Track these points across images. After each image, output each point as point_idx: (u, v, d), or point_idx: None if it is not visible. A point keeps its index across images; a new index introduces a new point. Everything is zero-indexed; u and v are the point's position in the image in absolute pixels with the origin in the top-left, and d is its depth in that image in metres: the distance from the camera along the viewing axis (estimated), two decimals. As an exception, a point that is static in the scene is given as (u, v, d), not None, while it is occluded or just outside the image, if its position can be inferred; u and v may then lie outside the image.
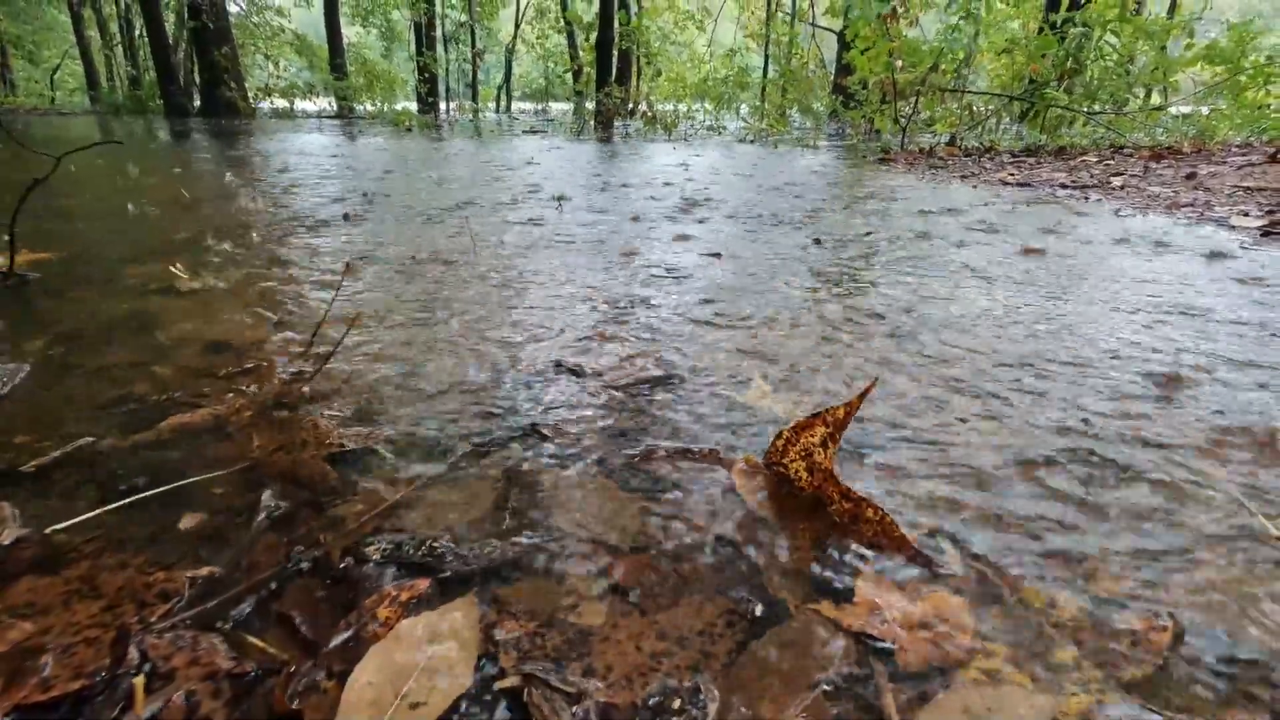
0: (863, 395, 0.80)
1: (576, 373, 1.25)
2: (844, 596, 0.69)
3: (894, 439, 1.00)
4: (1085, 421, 1.06)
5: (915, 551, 0.75)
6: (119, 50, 24.83)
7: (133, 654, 0.59)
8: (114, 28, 24.77)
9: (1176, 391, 1.18)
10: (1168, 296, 1.78)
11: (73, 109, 18.87)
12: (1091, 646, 0.63)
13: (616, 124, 12.72)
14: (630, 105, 13.81)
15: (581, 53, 21.97)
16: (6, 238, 1.81)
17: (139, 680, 0.56)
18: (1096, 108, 8.07)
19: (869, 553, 0.75)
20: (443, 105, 22.25)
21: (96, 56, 23.99)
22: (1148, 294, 1.81)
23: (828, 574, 0.73)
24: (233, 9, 17.84)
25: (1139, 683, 0.60)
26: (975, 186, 4.34)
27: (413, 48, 20.87)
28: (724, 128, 11.70)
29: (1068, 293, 1.82)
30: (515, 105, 30.90)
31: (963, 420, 1.06)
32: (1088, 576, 0.72)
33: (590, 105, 12.90)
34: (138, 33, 22.51)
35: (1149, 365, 1.30)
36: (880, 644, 0.63)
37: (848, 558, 0.75)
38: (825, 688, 0.58)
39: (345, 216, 2.89)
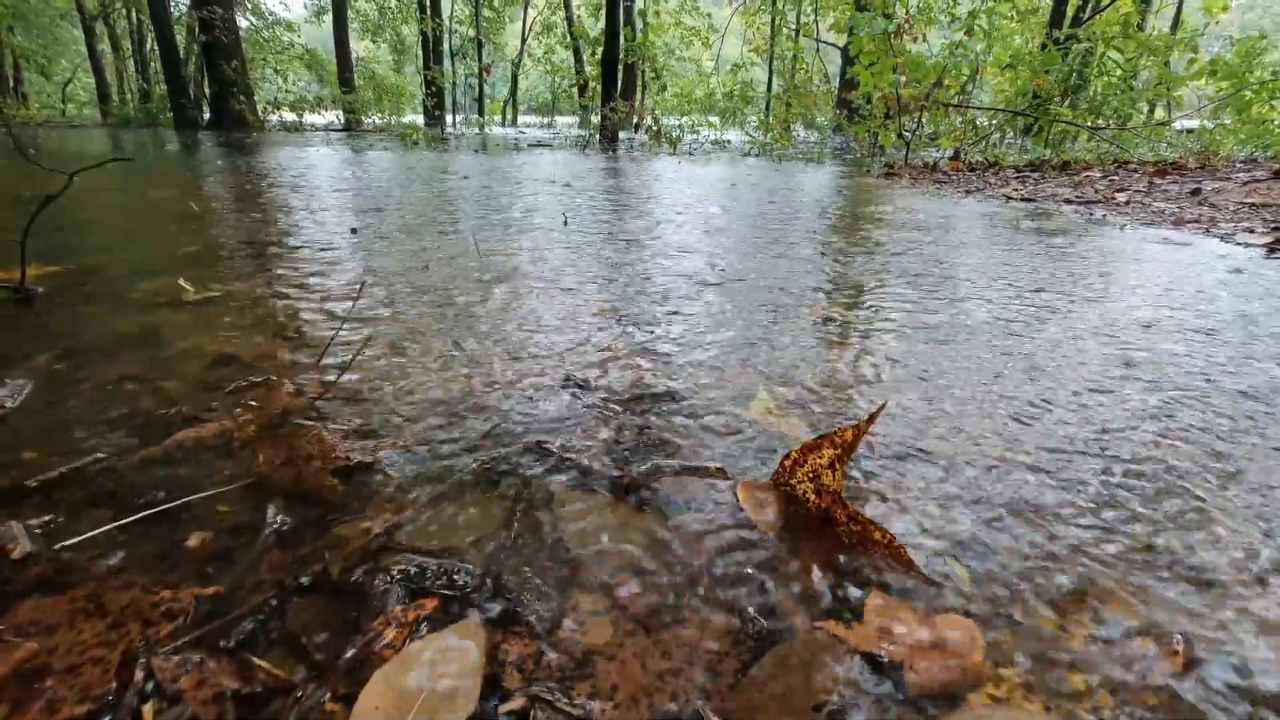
0: (871, 419, 0.80)
1: (583, 386, 1.26)
2: (852, 617, 0.69)
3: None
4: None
5: (923, 574, 0.75)
6: (130, 64, 25.13)
7: (139, 675, 0.59)
8: (126, 42, 25.09)
9: (1185, 411, 1.17)
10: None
11: (84, 121, 19.07)
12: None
13: (622, 137, 12.80)
14: (635, 120, 13.90)
15: (587, 67, 22.15)
16: (18, 253, 1.82)
17: (148, 708, 0.56)
18: (1100, 123, 8.09)
19: (877, 574, 0.75)
20: (449, 118, 22.43)
21: (108, 70, 24.27)
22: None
23: (836, 594, 0.72)
24: (243, 24, 18.07)
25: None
26: (980, 201, 4.35)
27: (421, 62, 21.08)
28: (728, 142, 11.76)
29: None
30: (521, 119, 31.15)
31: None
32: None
33: (596, 119, 12.98)
34: (149, 47, 22.80)
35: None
36: (889, 665, 0.63)
37: (856, 578, 0.75)
38: (832, 709, 0.58)
39: (353, 231, 2.91)
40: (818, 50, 22.37)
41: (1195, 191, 4.48)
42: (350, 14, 20.47)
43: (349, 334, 1.54)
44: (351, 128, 16.31)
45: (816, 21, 22.29)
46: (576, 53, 23.31)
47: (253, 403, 1.16)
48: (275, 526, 0.81)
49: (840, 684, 0.61)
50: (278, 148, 9.01)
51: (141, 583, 0.71)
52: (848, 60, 11.90)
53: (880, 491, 0.91)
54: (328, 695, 0.58)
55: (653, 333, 1.60)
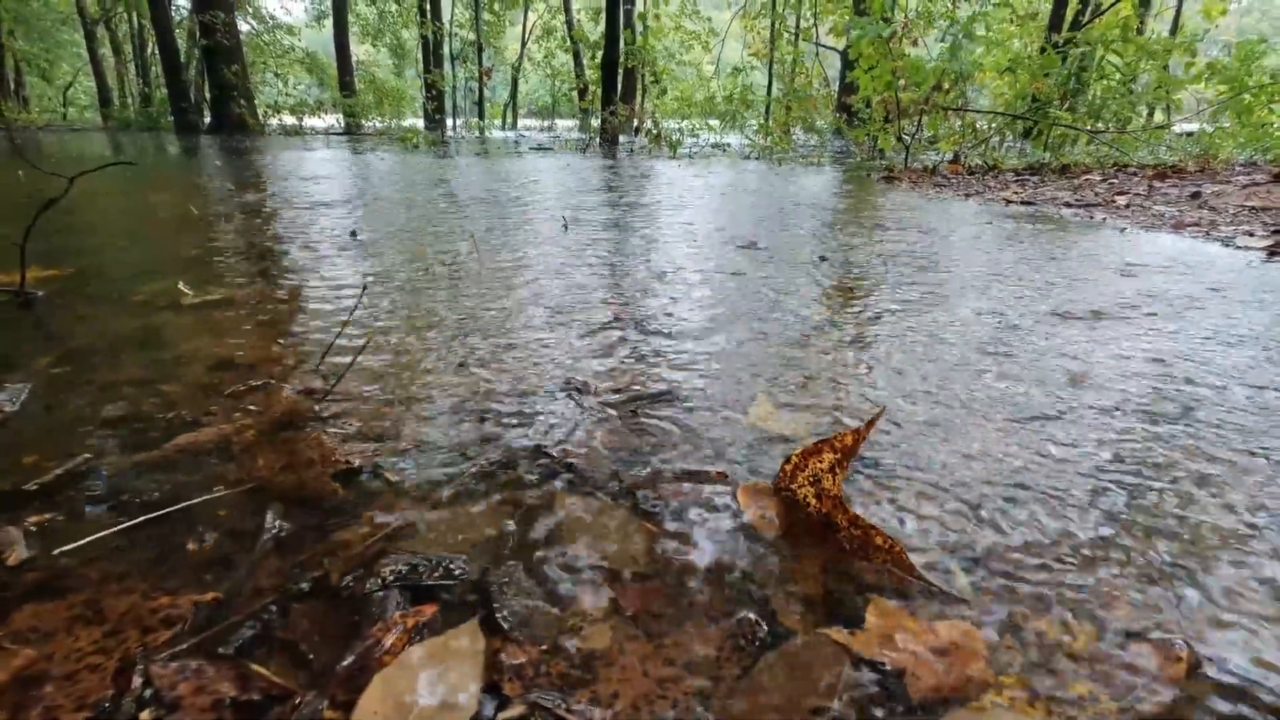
0: (870, 424, 0.80)
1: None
2: (853, 623, 0.69)
3: (902, 462, 0.99)
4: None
5: (924, 579, 0.74)
6: (131, 68, 25.20)
7: (137, 682, 0.59)
8: (127, 46, 25.15)
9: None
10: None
11: (84, 125, 19.10)
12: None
13: (622, 140, 12.82)
14: (636, 123, 13.92)
15: (587, 71, 22.19)
16: (18, 256, 1.82)
17: (146, 715, 0.55)
18: (1100, 126, 8.11)
19: (878, 579, 0.75)
20: (450, 122, 22.48)
21: (109, 74, 24.33)
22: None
23: (837, 600, 0.72)
24: (244, 28, 18.13)
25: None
26: (980, 204, 4.35)
27: (421, 65, 21.15)
28: (728, 145, 11.77)
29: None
30: (521, 122, 31.21)
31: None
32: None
33: (596, 123, 12.99)
34: (149, 51, 22.86)
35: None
36: (890, 671, 0.63)
37: (857, 584, 0.74)
38: (833, 715, 0.58)
39: (353, 234, 2.91)
40: (817, 54, 22.39)
41: (1195, 195, 4.48)
42: (351, 18, 20.54)
43: (349, 336, 1.54)
44: (352, 131, 16.35)
45: (816, 25, 22.31)
46: (576, 56, 23.34)
47: (252, 406, 1.16)
48: (274, 531, 0.81)
49: (841, 691, 0.61)
50: (278, 151, 9.02)
51: (140, 589, 0.71)
52: (847, 64, 11.93)
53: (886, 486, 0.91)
54: (326, 702, 0.58)
55: (652, 335, 1.60)
